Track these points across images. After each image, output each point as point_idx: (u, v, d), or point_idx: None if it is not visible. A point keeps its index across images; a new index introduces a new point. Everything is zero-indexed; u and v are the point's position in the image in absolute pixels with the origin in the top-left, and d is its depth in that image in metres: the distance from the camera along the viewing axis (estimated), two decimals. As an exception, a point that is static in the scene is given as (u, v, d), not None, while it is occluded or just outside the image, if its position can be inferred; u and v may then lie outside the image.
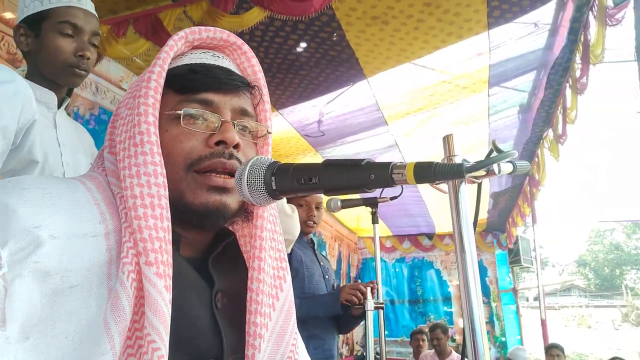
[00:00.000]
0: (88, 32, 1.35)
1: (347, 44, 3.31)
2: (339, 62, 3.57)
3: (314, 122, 4.61)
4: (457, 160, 0.69)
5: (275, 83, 3.81)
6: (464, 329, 0.66)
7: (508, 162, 0.64)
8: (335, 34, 3.21)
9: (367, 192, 0.53)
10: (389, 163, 0.51)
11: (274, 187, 0.59)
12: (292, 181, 0.57)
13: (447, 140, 0.71)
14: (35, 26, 1.33)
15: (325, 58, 3.50)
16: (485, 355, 0.64)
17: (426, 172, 0.48)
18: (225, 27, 2.78)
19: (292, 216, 1.85)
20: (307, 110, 4.38)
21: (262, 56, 3.43)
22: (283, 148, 5.18)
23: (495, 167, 0.63)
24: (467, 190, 0.70)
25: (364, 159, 0.53)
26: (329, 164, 0.56)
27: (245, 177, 0.61)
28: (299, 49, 3.38)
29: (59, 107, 1.39)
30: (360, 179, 0.52)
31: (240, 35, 3.11)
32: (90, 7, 1.39)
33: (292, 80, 3.81)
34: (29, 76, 1.33)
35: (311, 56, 3.47)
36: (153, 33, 2.86)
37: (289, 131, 4.72)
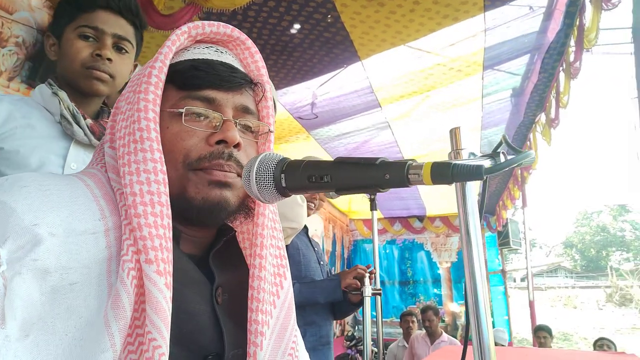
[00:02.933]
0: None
1: (341, 25, 3.26)
2: (333, 44, 3.52)
3: (307, 104, 4.57)
4: (465, 154, 0.68)
5: (269, 65, 3.75)
6: (467, 313, 0.66)
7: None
8: (329, 16, 3.15)
9: (380, 191, 0.52)
10: (405, 163, 0.50)
11: (283, 185, 0.58)
12: (302, 179, 0.56)
13: (454, 133, 0.70)
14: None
15: (319, 40, 3.45)
16: (490, 340, 0.64)
17: (444, 173, 0.47)
18: (217, 6, 2.74)
19: (303, 205, 1.87)
20: (301, 92, 4.34)
21: (255, 37, 3.37)
22: (276, 130, 5.11)
23: (502, 159, 0.62)
24: (474, 184, 0.70)
25: (379, 158, 0.51)
26: (342, 162, 0.54)
27: (254, 173, 0.59)
28: (292, 30, 3.33)
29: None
30: (374, 178, 0.51)
31: (234, 15, 3.05)
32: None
33: (286, 62, 3.76)
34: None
35: (305, 37, 3.42)
36: (143, 12, 2.79)
37: (281, 113, 4.68)
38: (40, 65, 2.57)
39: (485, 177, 0.47)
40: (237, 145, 0.71)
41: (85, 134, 1.23)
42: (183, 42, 0.73)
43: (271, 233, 0.79)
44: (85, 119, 1.24)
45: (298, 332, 0.86)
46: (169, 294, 0.59)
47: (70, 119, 1.20)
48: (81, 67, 1.24)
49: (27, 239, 0.55)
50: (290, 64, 3.80)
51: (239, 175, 0.72)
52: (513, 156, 0.55)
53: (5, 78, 2.46)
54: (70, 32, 1.26)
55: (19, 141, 1.16)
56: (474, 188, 0.67)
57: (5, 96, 1.24)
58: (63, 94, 1.23)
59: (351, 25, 3.27)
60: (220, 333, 0.69)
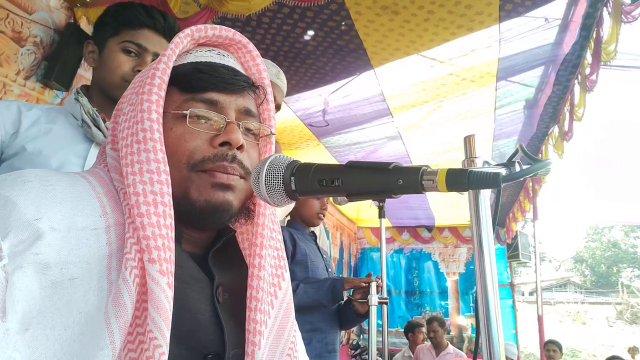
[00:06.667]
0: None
1: (355, 33, 3.26)
2: (347, 52, 3.52)
3: (319, 111, 4.57)
4: (479, 162, 0.67)
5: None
6: (477, 324, 0.64)
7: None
8: (343, 23, 3.16)
9: (392, 197, 0.50)
10: (419, 168, 0.48)
11: (293, 188, 0.57)
12: (313, 182, 0.55)
13: (468, 140, 0.68)
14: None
15: (332, 47, 3.45)
16: (501, 353, 0.62)
17: (459, 181, 0.45)
18: (232, 11, 2.76)
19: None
20: (312, 99, 4.34)
21: (269, 43, 3.39)
22: (286, 137, 5.15)
23: (517, 169, 0.60)
24: (487, 193, 0.68)
25: (391, 163, 0.50)
26: (353, 166, 0.53)
27: (264, 175, 0.58)
28: (306, 37, 3.34)
29: None
30: (386, 183, 0.49)
31: (248, 21, 3.06)
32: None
33: (299, 69, 3.77)
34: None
35: (318, 45, 3.43)
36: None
37: (292, 120, 4.69)
38: (55, 65, 2.60)
39: (501, 186, 0.45)
40: (240, 147, 0.72)
41: (105, 136, 1.28)
42: (186, 45, 0.75)
43: (270, 234, 0.80)
44: (105, 122, 1.30)
45: (297, 333, 0.86)
46: (170, 293, 0.59)
47: (90, 123, 1.27)
48: (121, 79, 1.31)
49: (29, 233, 0.55)
50: (302, 71, 3.81)
51: (242, 177, 0.73)
52: (529, 165, 0.54)
53: (22, 77, 2.49)
54: (113, 44, 1.33)
55: (42, 143, 1.23)
56: (487, 197, 0.66)
57: (38, 105, 1.33)
58: (84, 100, 1.30)
59: (365, 34, 3.27)
60: (221, 332, 0.69)
